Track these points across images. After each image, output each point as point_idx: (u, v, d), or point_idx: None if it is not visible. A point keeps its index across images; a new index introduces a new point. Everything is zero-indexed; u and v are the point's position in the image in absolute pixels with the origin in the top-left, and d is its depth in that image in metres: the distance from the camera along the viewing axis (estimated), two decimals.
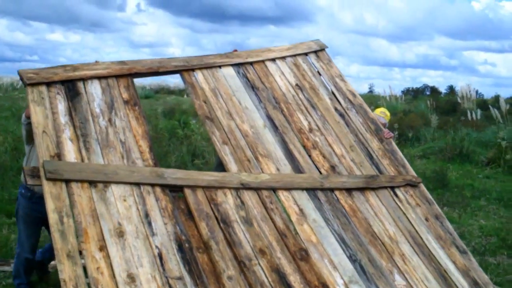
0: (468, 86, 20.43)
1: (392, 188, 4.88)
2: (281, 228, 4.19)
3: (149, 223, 3.83)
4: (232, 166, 4.43)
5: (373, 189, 4.78)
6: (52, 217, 3.60)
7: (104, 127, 4.21)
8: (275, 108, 5.01)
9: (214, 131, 4.58)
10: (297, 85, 5.33)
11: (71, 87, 4.33)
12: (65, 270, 3.43)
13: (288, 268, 3.97)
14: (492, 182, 10.82)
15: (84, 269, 3.52)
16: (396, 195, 4.86)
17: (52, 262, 5.52)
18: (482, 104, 20.98)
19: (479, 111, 17.32)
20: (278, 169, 4.56)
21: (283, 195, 4.42)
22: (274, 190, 4.41)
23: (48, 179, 3.73)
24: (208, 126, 4.60)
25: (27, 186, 4.83)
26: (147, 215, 3.86)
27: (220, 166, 4.63)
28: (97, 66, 4.49)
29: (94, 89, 4.40)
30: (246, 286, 3.79)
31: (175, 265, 3.70)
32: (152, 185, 4.03)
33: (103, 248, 3.61)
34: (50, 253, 5.25)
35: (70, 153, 3.96)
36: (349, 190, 4.67)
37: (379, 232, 4.50)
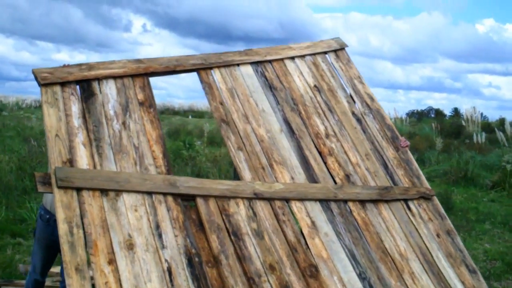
0: (473, 109, 20.47)
1: (406, 200, 4.83)
2: (292, 241, 4.17)
3: (160, 235, 3.80)
4: (246, 174, 4.37)
5: (386, 201, 4.73)
6: (62, 228, 3.57)
7: (117, 131, 4.14)
8: (292, 110, 4.92)
9: (230, 136, 4.51)
10: (315, 86, 5.23)
11: (86, 87, 4.23)
12: (73, 284, 3.42)
13: (297, 285, 3.96)
14: (497, 206, 10.76)
15: (92, 282, 3.52)
16: (409, 208, 4.82)
17: None
18: (487, 127, 21.06)
19: (483, 134, 17.37)
20: (292, 178, 4.50)
21: (296, 206, 4.38)
22: (287, 200, 4.37)
23: (59, 187, 3.68)
24: (224, 130, 4.53)
25: (46, 209, 4.78)
26: (158, 226, 3.83)
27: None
28: (113, 65, 4.38)
29: (109, 90, 4.31)
30: None
31: (184, 280, 3.69)
32: (164, 194, 3.99)
33: (112, 261, 3.58)
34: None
35: (83, 158, 3.90)
36: (362, 202, 4.62)
37: (390, 248, 4.48)
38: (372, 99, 5.42)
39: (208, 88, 4.69)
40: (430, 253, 4.61)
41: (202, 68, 4.74)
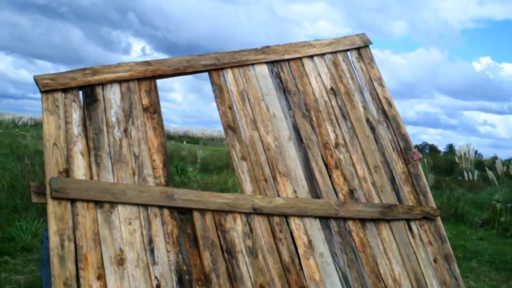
0: (467, 146, 20.57)
1: (408, 220, 4.80)
2: (286, 261, 4.19)
3: (152, 250, 3.84)
4: (247, 186, 4.35)
5: (388, 220, 4.71)
6: (53, 240, 3.60)
7: (118, 139, 4.10)
8: (303, 117, 4.82)
9: (235, 144, 4.46)
10: (331, 88, 5.09)
11: (88, 92, 4.15)
12: None
13: None
14: (485, 244, 10.76)
15: None
16: (411, 229, 4.79)
17: None
18: (479, 165, 21.13)
19: (476, 172, 17.50)
20: (295, 191, 4.47)
21: (294, 222, 4.37)
22: (286, 216, 4.37)
23: (53, 198, 3.70)
24: (229, 137, 4.47)
25: None
26: (150, 241, 3.86)
27: None
28: (119, 68, 4.27)
29: (113, 94, 4.23)
30: None
31: None
32: (160, 207, 3.98)
33: (101, 277, 3.63)
34: None
35: (80, 169, 3.89)
36: (363, 221, 4.60)
37: (384, 273, 4.49)
38: (389, 104, 5.28)
39: (218, 91, 4.59)
40: (424, 279, 4.61)
41: (214, 69, 4.63)
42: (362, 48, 5.41)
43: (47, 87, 3.96)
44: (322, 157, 4.71)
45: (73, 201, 3.72)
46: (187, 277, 3.84)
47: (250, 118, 4.56)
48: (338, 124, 4.89)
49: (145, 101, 4.28)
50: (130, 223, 3.84)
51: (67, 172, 3.80)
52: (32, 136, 23.75)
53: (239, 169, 4.34)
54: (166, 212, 3.97)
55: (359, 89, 5.19)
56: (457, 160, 20.53)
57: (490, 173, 15.99)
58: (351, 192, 4.64)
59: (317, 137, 4.75)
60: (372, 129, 5.04)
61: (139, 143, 4.11)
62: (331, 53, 5.19)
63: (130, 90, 4.26)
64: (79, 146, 3.91)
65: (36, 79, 3.97)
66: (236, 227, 4.12)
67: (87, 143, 3.96)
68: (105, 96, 4.17)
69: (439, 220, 4.92)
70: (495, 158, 20.02)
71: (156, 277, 3.76)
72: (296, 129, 4.70)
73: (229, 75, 4.66)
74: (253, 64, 4.78)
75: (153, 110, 4.28)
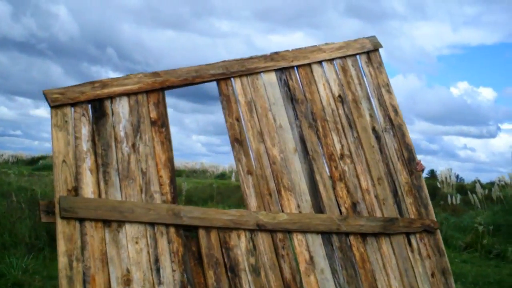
0: (448, 171, 21.29)
1: (408, 234, 5.02)
2: (287, 279, 4.41)
3: (158, 270, 4.03)
4: (251, 201, 4.51)
5: (388, 234, 4.91)
6: (62, 261, 3.78)
7: (126, 154, 4.22)
8: (310, 127, 4.95)
9: (241, 158, 4.59)
10: (339, 96, 5.20)
11: (97, 106, 4.25)
12: None
13: None
14: (468, 267, 11.29)
15: None
16: (410, 243, 5.02)
17: None
18: (461, 189, 21.78)
19: (458, 196, 18.11)
20: (298, 206, 4.65)
21: (297, 238, 4.57)
22: (289, 232, 4.55)
23: (62, 217, 3.85)
24: (236, 151, 4.60)
25: None
26: (157, 260, 4.05)
27: None
28: (127, 80, 4.36)
29: (122, 108, 4.33)
30: None
31: None
32: (167, 225, 4.16)
33: None
34: None
35: (88, 186, 4.02)
36: (364, 235, 4.81)
37: None
38: (396, 112, 5.41)
39: (226, 101, 4.69)
40: None
41: (222, 78, 4.70)
42: (371, 52, 5.51)
43: (57, 102, 4.05)
44: (327, 169, 4.82)
45: (81, 220, 3.91)
46: None
47: (257, 130, 4.68)
48: (344, 134, 5.02)
49: (153, 114, 4.38)
50: (137, 242, 4.01)
51: (75, 190, 3.95)
52: (15, 173, 24.04)
53: (245, 184, 4.50)
54: (172, 230, 4.14)
55: (366, 96, 5.31)
56: (439, 185, 21.23)
57: (472, 197, 17.08)
58: (354, 205, 4.83)
59: (322, 148, 4.90)
60: (378, 138, 5.19)
61: (146, 158, 4.23)
62: (341, 58, 5.27)
63: (138, 103, 4.35)
64: (88, 162, 4.04)
65: (46, 94, 4.06)
66: (240, 244, 4.32)
67: (96, 159, 4.09)
68: (113, 110, 4.27)
69: (438, 233, 5.16)
70: (476, 181, 21.05)
71: None
72: (302, 140, 4.84)
73: (237, 84, 4.76)
74: (261, 72, 4.83)
75: (161, 123, 4.38)
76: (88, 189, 4.02)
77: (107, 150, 4.18)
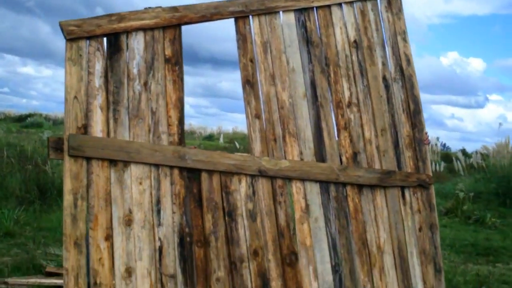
0: (435, 139, 22.46)
1: (403, 188, 5.34)
2: (281, 225, 4.75)
3: (158, 211, 4.33)
4: (256, 146, 4.74)
5: (384, 187, 5.22)
6: (68, 199, 4.06)
7: (137, 93, 4.37)
8: (322, 72, 5.10)
9: (251, 101, 4.76)
10: (355, 41, 5.31)
11: (113, 41, 4.34)
12: (70, 259, 4.04)
13: (274, 272, 4.65)
14: (447, 231, 12.16)
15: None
16: (404, 197, 5.36)
17: None
18: (446, 157, 22.97)
19: (442, 164, 19.61)
20: (301, 153, 4.90)
21: (295, 186, 4.86)
22: (289, 179, 4.82)
23: (70, 155, 4.06)
24: (246, 93, 4.76)
25: None
26: (158, 202, 4.33)
27: None
28: (145, 15, 4.41)
29: (137, 44, 4.42)
30: None
31: (171, 261, 4.33)
32: (171, 167, 4.40)
33: (109, 237, 4.16)
34: None
35: (98, 124, 4.20)
36: (360, 186, 5.11)
37: (370, 240, 5.12)
38: (408, 62, 5.57)
39: (242, 41, 4.79)
40: (406, 248, 5.30)
41: (240, 16, 4.76)
42: None
43: (72, 35, 4.15)
44: (334, 117, 5.02)
45: (89, 159, 4.13)
46: (188, 239, 4.39)
47: (269, 72, 4.83)
48: (355, 82, 5.21)
49: (168, 52, 4.49)
50: (140, 183, 4.26)
51: (85, 128, 4.13)
52: (3, 129, 24.58)
53: (252, 127, 4.72)
54: (176, 171, 4.40)
55: (381, 43, 5.45)
56: None
57: (457, 164, 18.76)
58: (355, 155, 5.11)
59: (332, 95, 5.10)
60: (387, 87, 5.39)
61: (157, 97, 4.40)
62: (361, 0, 5.33)
63: (154, 39, 4.46)
64: (99, 100, 4.21)
65: (62, 25, 4.14)
66: (241, 189, 4.60)
67: (107, 96, 4.25)
68: (129, 45, 4.37)
69: (432, 188, 5.51)
70: (460, 151, 23.02)
71: (159, 239, 4.31)
72: (313, 85, 5.02)
73: (255, 23, 4.88)
74: (280, 11, 4.91)
75: (175, 61, 4.51)
76: (98, 127, 4.19)
77: (119, 88, 4.32)
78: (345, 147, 5.15)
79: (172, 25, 4.54)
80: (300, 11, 5.10)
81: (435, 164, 19.34)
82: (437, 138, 23.08)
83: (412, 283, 5.31)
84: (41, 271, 7.22)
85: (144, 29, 4.44)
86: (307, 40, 5.11)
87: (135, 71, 4.40)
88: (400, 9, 5.66)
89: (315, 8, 5.19)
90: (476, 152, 21.87)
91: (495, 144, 19.94)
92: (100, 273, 4.10)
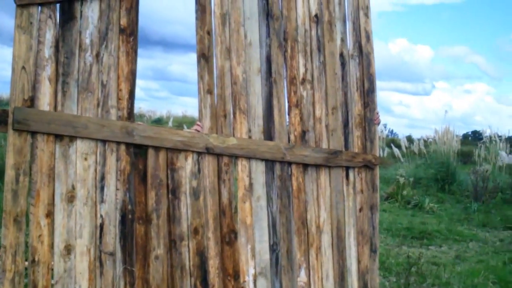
0: (381, 125, 23.29)
1: (348, 168, 5.60)
2: (224, 204, 4.97)
3: (102, 188, 4.47)
4: (206, 122, 4.88)
5: (329, 167, 5.45)
6: (9, 174, 4.15)
7: (88, 64, 4.40)
8: (279, 46, 5.21)
9: (204, 76, 4.85)
10: (316, 15, 5.41)
11: (66, 8, 4.32)
12: (8, 236, 4.16)
13: (212, 251, 4.90)
14: (386, 215, 13.25)
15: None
16: (347, 177, 5.65)
17: None
18: (391, 143, 24.52)
19: (386, 150, 21.05)
20: (249, 130, 5.07)
21: (241, 164, 5.06)
22: (236, 157, 4.98)
23: (14, 129, 4.10)
24: (201, 67, 4.85)
25: None
26: (102, 178, 4.47)
27: None
28: None
29: (92, 12, 4.41)
30: (168, 268, 4.72)
31: (112, 238, 4.51)
32: (118, 143, 4.50)
33: (50, 214, 4.29)
34: None
35: (45, 96, 4.24)
36: (305, 166, 5.33)
37: (310, 219, 5.41)
38: (368, 38, 5.75)
39: (201, 12, 4.84)
40: (344, 228, 5.62)
41: None
42: None
43: (24, 0, 4.14)
44: (286, 94, 5.16)
45: (34, 133, 4.22)
46: (129, 216, 4.58)
47: (225, 46, 4.93)
48: (311, 58, 5.36)
49: (123, 21, 4.54)
50: (86, 159, 4.38)
51: (32, 100, 4.17)
52: None
53: (203, 103, 4.85)
54: (122, 147, 4.54)
55: (342, 18, 5.60)
56: None
57: (396, 150, 20.40)
58: (303, 133, 5.34)
59: (287, 71, 5.20)
60: (343, 65, 5.57)
61: (109, 70, 4.46)
62: None
63: (110, 7, 4.49)
64: (48, 71, 4.24)
65: None
66: (186, 166, 4.77)
67: (57, 68, 4.30)
68: (83, 13, 4.38)
69: (377, 169, 5.83)
70: (407, 137, 24.56)
71: (101, 216, 4.48)
72: (268, 60, 5.15)
73: None
74: None
75: (130, 31, 4.55)
76: (45, 100, 4.24)
77: (70, 59, 4.34)
78: (294, 125, 5.33)
79: None
80: None
81: (381, 150, 20.25)
82: (384, 126, 24.15)
83: (347, 263, 5.66)
84: None
85: None
86: (267, 12, 5.19)
87: (87, 41, 4.41)
88: None
89: None
90: (419, 138, 23.39)
91: (439, 131, 21.37)
92: (39, 251, 4.23)
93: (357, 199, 5.79)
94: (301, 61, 5.37)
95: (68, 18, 4.36)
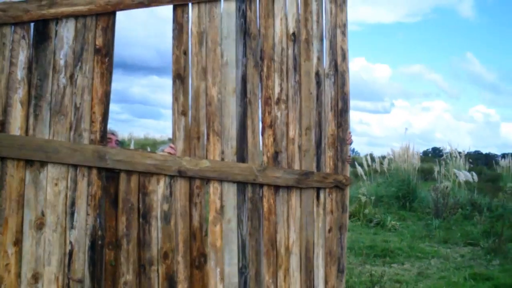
0: None
1: (318, 189, 5.70)
2: (194, 227, 5.03)
3: (72, 214, 4.49)
4: (179, 145, 4.92)
5: (300, 188, 5.56)
6: None
7: (62, 87, 4.41)
8: (255, 66, 5.27)
9: (179, 97, 4.89)
10: (293, 34, 5.47)
11: (40, 28, 4.31)
12: None
13: (181, 275, 4.98)
14: (349, 234, 13.81)
15: None
16: (318, 198, 5.75)
17: None
18: (352, 162, 25.28)
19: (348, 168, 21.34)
20: (223, 152, 5.13)
21: (213, 186, 5.12)
22: (208, 180, 5.05)
23: None
24: (176, 88, 4.88)
25: None
26: (73, 204, 4.49)
27: None
28: (79, 0, 4.37)
29: (67, 32, 4.41)
30: None
31: (81, 265, 4.55)
32: (90, 167, 4.52)
33: (18, 242, 4.31)
34: None
35: (16, 120, 4.24)
36: (277, 187, 5.43)
37: (279, 241, 5.51)
38: (343, 57, 5.83)
39: (178, 31, 4.87)
40: (313, 249, 5.73)
41: (180, 4, 4.81)
42: None
43: None
44: (261, 114, 5.24)
45: (3, 159, 4.20)
46: (99, 242, 4.63)
47: (201, 66, 4.99)
48: (287, 77, 5.44)
49: (99, 41, 4.54)
50: (56, 184, 4.41)
51: (2, 124, 4.18)
52: None
53: (176, 125, 4.90)
54: (94, 171, 4.58)
55: (320, 37, 5.68)
56: None
57: (359, 169, 20.98)
58: (276, 155, 5.43)
59: (262, 91, 5.28)
60: (318, 84, 5.67)
61: (82, 92, 4.50)
62: None
63: (85, 27, 4.49)
64: (20, 93, 4.26)
65: None
66: (158, 189, 4.84)
67: (29, 90, 4.31)
68: (58, 33, 4.37)
69: (347, 189, 5.92)
70: (371, 154, 25.19)
71: (71, 242, 4.53)
72: (244, 80, 5.22)
73: (194, 11, 4.97)
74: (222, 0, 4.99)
75: (106, 51, 4.56)
76: (16, 124, 4.25)
77: (43, 81, 4.35)
78: (267, 146, 5.41)
79: (106, 12, 4.52)
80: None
81: None
82: None
83: (315, 284, 5.79)
84: None
85: (76, 16, 4.42)
86: (245, 31, 5.23)
87: (61, 62, 4.41)
88: (344, 1, 5.83)
89: None
90: (379, 157, 24.17)
91: (400, 148, 22.15)
92: (6, 280, 4.24)
93: (327, 220, 5.90)
94: (277, 81, 5.43)
95: (42, 39, 4.33)
